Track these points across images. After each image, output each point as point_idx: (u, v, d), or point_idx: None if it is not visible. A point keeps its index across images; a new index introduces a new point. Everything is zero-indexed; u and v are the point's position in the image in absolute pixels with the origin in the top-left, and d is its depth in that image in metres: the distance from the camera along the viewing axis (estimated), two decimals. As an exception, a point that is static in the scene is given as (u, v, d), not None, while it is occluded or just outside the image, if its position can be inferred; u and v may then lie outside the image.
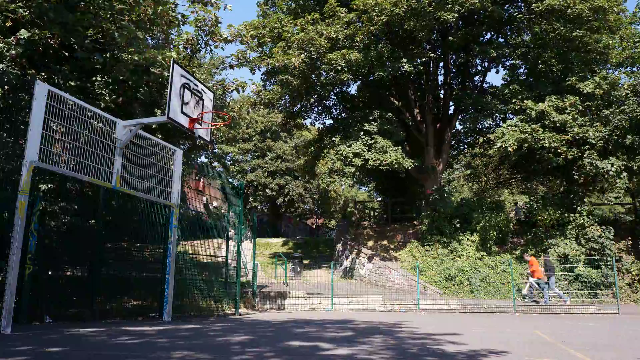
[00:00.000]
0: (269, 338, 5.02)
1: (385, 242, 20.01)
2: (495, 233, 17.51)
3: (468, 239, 17.66)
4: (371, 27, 16.81)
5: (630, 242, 17.21)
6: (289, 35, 17.27)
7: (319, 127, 24.43)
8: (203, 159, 34.07)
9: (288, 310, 13.64)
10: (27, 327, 6.16)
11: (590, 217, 17.11)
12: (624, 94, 16.98)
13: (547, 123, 16.56)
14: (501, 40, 19.78)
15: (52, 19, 7.48)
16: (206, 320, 8.59)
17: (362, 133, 17.72)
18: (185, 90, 7.46)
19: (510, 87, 17.96)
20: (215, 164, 36.36)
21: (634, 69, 19.08)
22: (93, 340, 4.56)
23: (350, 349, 4.15)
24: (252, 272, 14.13)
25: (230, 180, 33.11)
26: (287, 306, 14.12)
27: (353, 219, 23.99)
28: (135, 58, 8.06)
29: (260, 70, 19.37)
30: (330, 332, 5.88)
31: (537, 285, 14.47)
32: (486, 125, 22.27)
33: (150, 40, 9.73)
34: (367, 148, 17.33)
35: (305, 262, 21.61)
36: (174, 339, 4.84)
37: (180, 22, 10.11)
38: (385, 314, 12.35)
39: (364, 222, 23.53)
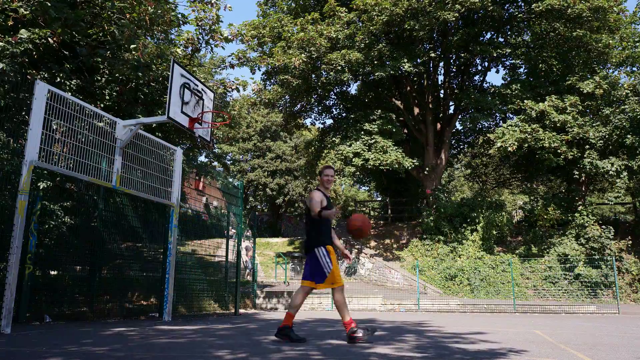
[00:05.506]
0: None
1: (385, 241, 20.01)
2: (495, 233, 17.51)
3: (469, 239, 17.66)
4: (371, 27, 16.81)
5: (630, 242, 17.22)
6: (289, 35, 17.27)
7: (319, 127, 24.45)
8: (203, 158, 34.10)
9: (288, 310, 13.63)
10: (28, 327, 6.16)
11: (591, 216, 17.12)
12: (624, 93, 16.99)
13: (547, 123, 16.57)
14: (501, 39, 19.78)
15: (54, 17, 7.49)
16: (207, 320, 8.59)
17: (362, 133, 17.72)
18: (185, 89, 7.45)
19: (511, 86, 17.97)
20: (215, 163, 36.37)
21: (634, 68, 19.09)
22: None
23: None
24: (252, 272, 14.13)
25: (230, 179, 33.12)
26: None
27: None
28: (135, 54, 8.06)
29: (260, 70, 19.42)
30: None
31: None
32: (486, 125, 22.31)
33: (149, 39, 9.73)
34: (367, 148, 17.33)
35: (305, 261, 21.59)
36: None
37: (181, 22, 10.11)
38: (397, 314, 12.36)
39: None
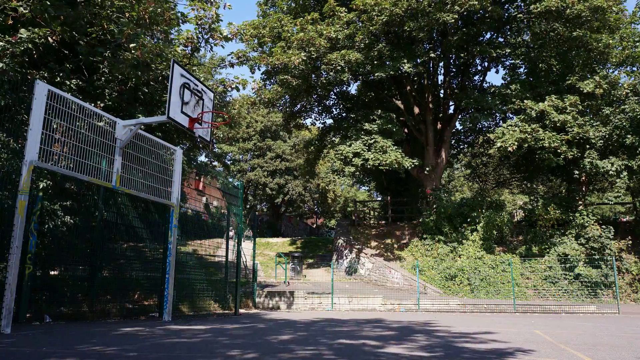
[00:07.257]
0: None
1: (385, 241, 20.00)
2: (495, 232, 17.50)
3: (469, 239, 17.66)
4: (371, 27, 16.80)
5: (630, 242, 17.21)
6: (289, 35, 17.26)
7: (319, 127, 24.44)
8: (203, 158, 34.09)
9: (292, 310, 13.63)
10: (28, 327, 6.15)
11: (591, 216, 17.11)
12: (624, 93, 16.98)
13: (547, 123, 16.56)
14: (501, 40, 19.78)
15: (53, 15, 7.48)
16: (208, 319, 8.58)
17: (362, 133, 17.71)
18: (185, 89, 7.45)
19: (510, 86, 17.97)
20: (215, 163, 36.37)
21: (634, 68, 19.08)
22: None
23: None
24: (252, 272, 14.13)
25: (230, 179, 33.11)
26: (288, 305, 14.12)
27: (353, 218, 23.98)
28: (135, 53, 8.05)
29: (260, 70, 19.40)
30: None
31: None
32: (486, 125, 22.30)
33: (149, 38, 9.73)
34: (367, 148, 17.32)
35: (306, 261, 21.61)
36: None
37: (180, 21, 10.10)
38: (399, 314, 12.35)
39: (364, 222, 23.53)
